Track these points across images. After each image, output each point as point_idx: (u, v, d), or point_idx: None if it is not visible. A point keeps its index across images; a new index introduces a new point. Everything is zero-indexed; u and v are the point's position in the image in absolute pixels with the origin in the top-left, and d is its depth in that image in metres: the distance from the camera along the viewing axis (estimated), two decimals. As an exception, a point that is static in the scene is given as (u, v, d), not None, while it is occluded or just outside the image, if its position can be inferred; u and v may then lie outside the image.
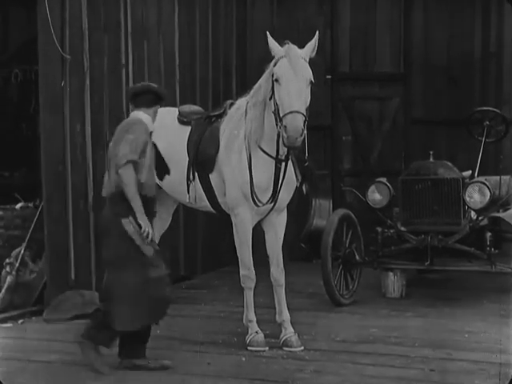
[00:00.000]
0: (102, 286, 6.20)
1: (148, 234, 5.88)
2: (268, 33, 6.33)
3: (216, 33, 10.41)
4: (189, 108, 7.52)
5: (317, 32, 6.38)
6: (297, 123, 5.95)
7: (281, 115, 6.07)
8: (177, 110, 7.47)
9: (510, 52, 11.32)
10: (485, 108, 9.23)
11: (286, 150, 6.42)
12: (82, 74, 8.18)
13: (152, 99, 6.26)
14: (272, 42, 6.31)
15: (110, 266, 6.07)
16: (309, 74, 6.17)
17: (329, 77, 10.70)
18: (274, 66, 6.24)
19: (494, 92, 11.37)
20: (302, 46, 6.31)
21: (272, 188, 6.55)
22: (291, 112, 6.00)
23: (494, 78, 11.45)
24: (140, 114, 6.16)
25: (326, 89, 10.88)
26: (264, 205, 6.58)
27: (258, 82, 6.60)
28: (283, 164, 6.52)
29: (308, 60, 6.26)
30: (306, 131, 6.08)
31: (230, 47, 10.81)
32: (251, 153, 6.52)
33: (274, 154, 6.49)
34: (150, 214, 6.05)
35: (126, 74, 8.80)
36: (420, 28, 11.68)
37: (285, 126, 5.98)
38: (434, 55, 11.62)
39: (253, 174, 6.49)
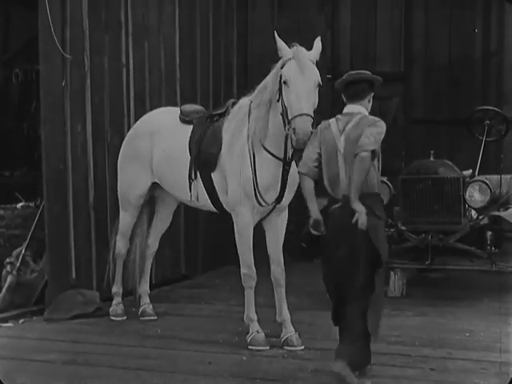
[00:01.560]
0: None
1: None
2: (276, 33, 6.31)
3: (217, 33, 10.42)
4: (191, 107, 7.54)
5: (318, 37, 6.39)
6: (306, 126, 5.96)
7: (289, 117, 6.07)
8: (179, 109, 7.49)
9: (510, 51, 11.33)
10: (485, 107, 9.24)
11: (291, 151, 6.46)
12: (83, 74, 8.19)
13: (362, 89, 5.91)
14: (280, 43, 6.29)
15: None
16: (317, 76, 6.18)
17: (329, 76, 10.71)
18: (282, 67, 6.23)
19: (495, 91, 11.37)
20: (303, 46, 6.30)
21: (279, 188, 6.57)
22: (300, 115, 6.01)
23: (494, 78, 11.46)
24: (364, 111, 5.86)
25: (326, 88, 10.88)
26: (269, 205, 6.60)
27: (263, 81, 6.59)
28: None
29: (315, 62, 6.27)
30: None
31: (230, 47, 10.82)
32: (255, 152, 6.53)
33: (278, 155, 6.50)
34: None
35: (127, 74, 8.81)
36: (420, 27, 11.68)
37: (294, 129, 5.98)
38: (435, 54, 11.63)
39: (256, 173, 6.51)
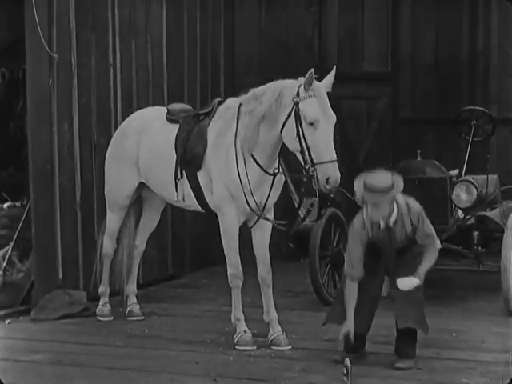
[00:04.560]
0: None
1: None
2: (312, 70, 6.20)
3: (204, 32, 10.40)
4: (178, 106, 7.52)
5: (333, 70, 6.39)
6: (338, 173, 6.07)
7: (316, 160, 6.10)
8: (166, 108, 7.47)
9: (497, 51, 11.36)
10: (472, 107, 9.25)
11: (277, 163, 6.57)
12: (70, 73, 8.16)
13: None
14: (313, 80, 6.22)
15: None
16: (334, 115, 6.26)
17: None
18: (298, 101, 6.19)
19: (482, 91, 11.40)
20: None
21: (265, 196, 6.60)
22: (332, 161, 6.09)
23: (481, 78, 11.48)
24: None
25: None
26: (257, 213, 6.60)
27: (259, 91, 6.51)
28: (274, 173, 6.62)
29: None
30: None
31: (217, 47, 10.80)
32: (244, 157, 6.54)
33: (265, 165, 6.52)
34: None
35: (114, 74, 8.78)
36: (408, 27, 11.70)
37: (327, 178, 6.04)
38: (422, 54, 11.64)
39: (241, 176, 6.51)
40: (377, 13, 11.72)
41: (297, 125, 6.18)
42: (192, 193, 6.95)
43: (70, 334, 7.21)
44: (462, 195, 8.13)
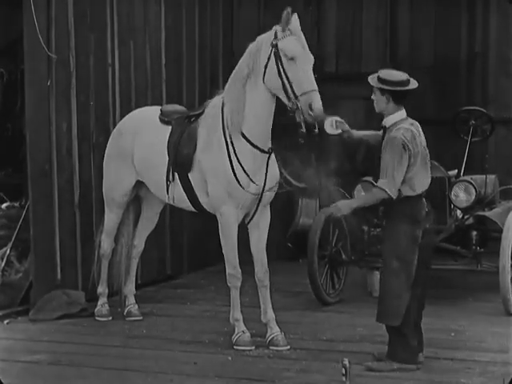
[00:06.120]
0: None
1: None
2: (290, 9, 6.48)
3: (202, 32, 10.40)
4: (171, 107, 7.52)
5: (296, 15, 6.62)
6: (320, 102, 6.22)
7: (298, 93, 6.23)
8: (159, 108, 7.48)
9: (495, 52, 11.37)
10: (471, 107, 9.26)
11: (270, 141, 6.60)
12: (68, 74, 8.16)
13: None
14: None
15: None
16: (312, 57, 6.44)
17: (315, 76, 10.72)
18: (277, 42, 6.36)
19: (480, 91, 11.40)
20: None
21: (263, 178, 6.59)
22: (314, 90, 6.23)
23: (479, 78, 11.48)
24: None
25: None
26: (255, 194, 6.57)
27: (236, 68, 6.70)
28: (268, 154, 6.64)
29: None
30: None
31: (216, 46, 10.80)
32: (233, 141, 6.54)
33: (258, 140, 6.53)
34: None
35: (113, 74, 8.78)
36: (406, 28, 11.70)
37: (310, 104, 6.17)
38: (420, 55, 11.65)
39: (234, 163, 6.51)
40: (375, 13, 11.72)
41: (277, 63, 6.34)
42: (184, 195, 6.94)
43: (68, 335, 7.21)
44: (461, 195, 8.15)
